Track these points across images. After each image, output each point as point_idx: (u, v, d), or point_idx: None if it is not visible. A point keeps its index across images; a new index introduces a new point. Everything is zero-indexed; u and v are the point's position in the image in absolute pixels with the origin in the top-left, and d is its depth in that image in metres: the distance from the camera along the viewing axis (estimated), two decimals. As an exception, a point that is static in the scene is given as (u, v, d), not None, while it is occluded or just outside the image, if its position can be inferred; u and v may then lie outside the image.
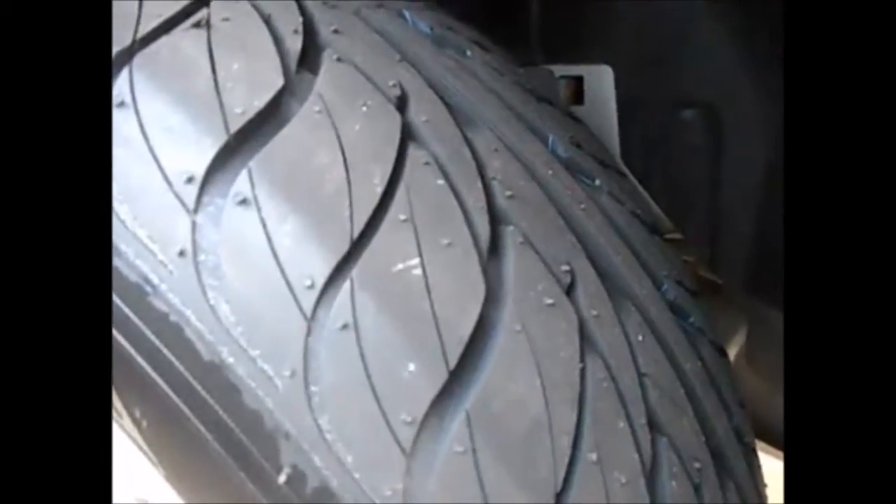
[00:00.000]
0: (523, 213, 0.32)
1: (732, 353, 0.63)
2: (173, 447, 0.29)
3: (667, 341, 0.35)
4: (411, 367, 0.25)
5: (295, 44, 0.31)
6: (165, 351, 0.27)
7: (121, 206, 0.27)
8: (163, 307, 0.27)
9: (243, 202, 0.27)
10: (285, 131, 0.28)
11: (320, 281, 0.26)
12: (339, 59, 0.32)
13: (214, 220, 0.27)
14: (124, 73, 0.29)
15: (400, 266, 0.27)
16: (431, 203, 0.29)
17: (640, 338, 0.33)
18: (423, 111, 0.32)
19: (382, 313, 0.26)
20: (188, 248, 0.26)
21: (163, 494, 0.31)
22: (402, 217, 0.28)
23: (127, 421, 0.29)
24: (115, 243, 0.27)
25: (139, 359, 0.27)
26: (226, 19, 0.31)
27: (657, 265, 0.38)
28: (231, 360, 0.26)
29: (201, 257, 0.26)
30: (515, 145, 0.35)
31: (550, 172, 0.36)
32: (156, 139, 0.28)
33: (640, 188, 0.51)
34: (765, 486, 0.41)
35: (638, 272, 0.36)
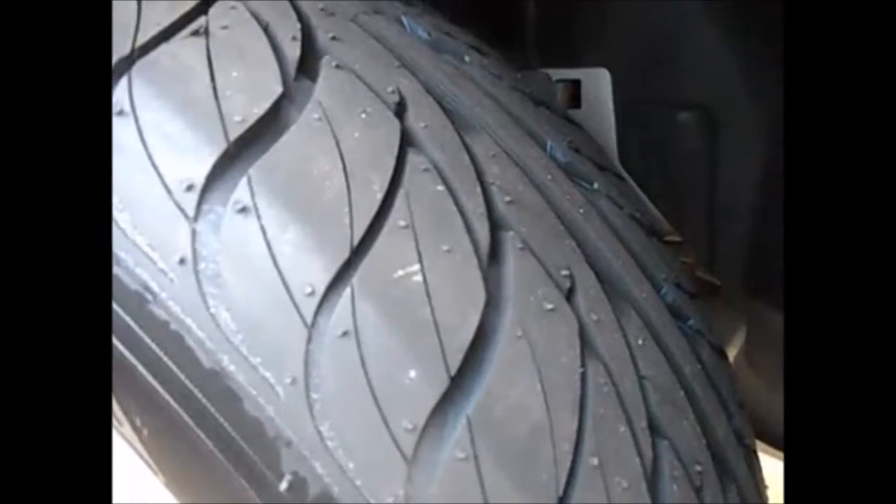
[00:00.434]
0: (523, 219, 0.32)
1: (731, 354, 0.63)
2: (174, 455, 0.29)
3: (666, 344, 0.35)
4: (412, 373, 0.26)
5: (293, 51, 0.31)
6: (166, 359, 0.27)
7: (120, 215, 0.27)
8: (163, 315, 0.27)
9: (243, 210, 0.27)
10: (284, 139, 0.28)
11: (321, 288, 0.26)
12: (337, 66, 0.32)
13: (214, 228, 0.27)
14: (123, 82, 0.29)
15: (400, 273, 0.27)
16: (431, 209, 0.29)
17: (640, 341, 0.33)
18: (422, 117, 0.32)
19: (383, 320, 0.26)
20: (188, 256, 0.26)
21: (163, 501, 0.31)
22: (402, 223, 0.28)
23: (127, 429, 0.29)
24: (115, 251, 0.27)
25: (140, 367, 0.27)
26: (224, 27, 0.31)
27: (656, 268, 0.38)
28: (232, 367, 0.26)
29: (201, 265, 0.26)
30: (514, 150, 0.35)
31: (549, 177, 0.36)
32: (155, 147, 0.28)
33: (639, 191, 0.51)
34: (766, 487, 0.41)
35: (637, 275, 0.36)
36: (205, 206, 0.27)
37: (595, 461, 0.27)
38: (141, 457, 0.30)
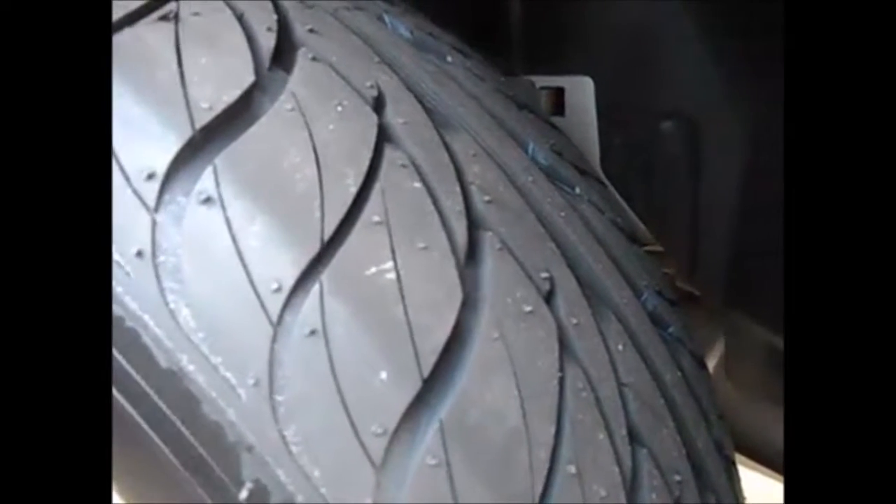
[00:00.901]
0: (502, 219, 0.31)
1: (710, 365, 0.63)
2: (128, 461, 0.27)
3: (647, 351, 0.35)
4: (383, 375, 0.24)
5: (268, 41, 0.31)
6: (120, 358, 0.26)
7: (76, 204, 0.26)
8: (118, 311, 0.25)
9: (207, 201, 0.26)
10: (255, 129, 0.27)
11: (288, 284, 0.25)
12: (314, 59, 0.31)
13: (176, 220, 0.25)
14: (85, 66, 0.27)
15: (373, 270, 0.26)
16: (407, 206, 0.28)
17: (621, 347, 0.32)
18: (401, 113, 0.32)
19: (353, 319, 0.25)
20: (147, 248, 0.25)
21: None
22: (376, 219, 0.27)
23: (79, 433, 0.28)
24: (70, 243, 0.26)
25: (92, 366, 0.26)
26: (196, 13, 0.30)
27: (637, 274, 0.38)
28: (191, 368, 0.25)
29: (161, 258, 0.25)
30: (495, 151, 0.35)
31: (530, 179, 0.35)
32: (115, 133, 0.26)
33: (620, 199, 0.51)
34: (744, 499, 0.40)
35: (618, 281, 0.36)
36: (166, 196, 0.26)
37: (573, 469, 0.26)
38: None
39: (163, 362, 0.25)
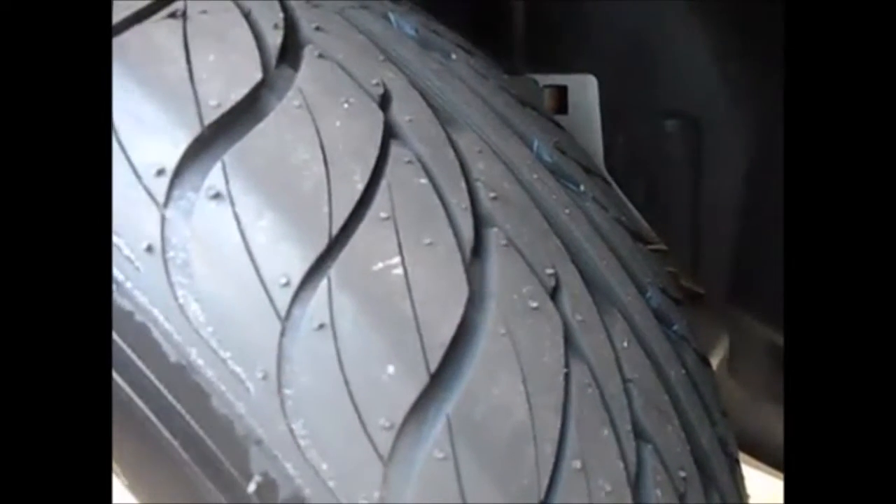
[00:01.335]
0: (508, 216, 0.31)
1: (714, 363, 0.63)
2: (137, 454, 0.27)
3: (651, 348, 0.35)
4: (390, 369, 0.25)
5: (275, 39, 0.31)
6: (130, 352, 0.26)
7: (87, 200, 0.26)
8: (128, 306, 0.25)
9: (216, 196, 0.26)
10: (263, 125, 0.28)
11: (296, 279, 0.25)
12: (320, 56, 0.32)
13: (185, 215, 0.25)
14: (94, 63, 0.28)
15: (380, 265, 0.26)
16: (414, 202, 0.28)
17: (625, 344, 0.32)
18: (407, 110, 0.32)
19: (361, 314, 0.25)
20: (157, 243, 0.25)
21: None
22: (384, 215, 0.27)
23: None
24: (80, 239, 0.26)
25: (102, 360, 0.26)
26: (203, 12, 0.30)
27: (641, 272, 0.38)
28: (200, 362, 0.25)
29: (170, 253, 0.25)
30: (500, 148, 0.35)
31: (535, 176, 0.35)
32: (125, 129, 0.27)
33: (624, 197, 0.51)
34: (748, 496, 0.40)
35: (622, 278, 0.36)
36: (176, 192, 0.26)
37: (578, 464, 0.26)
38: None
39: (172, 356, 0.25)
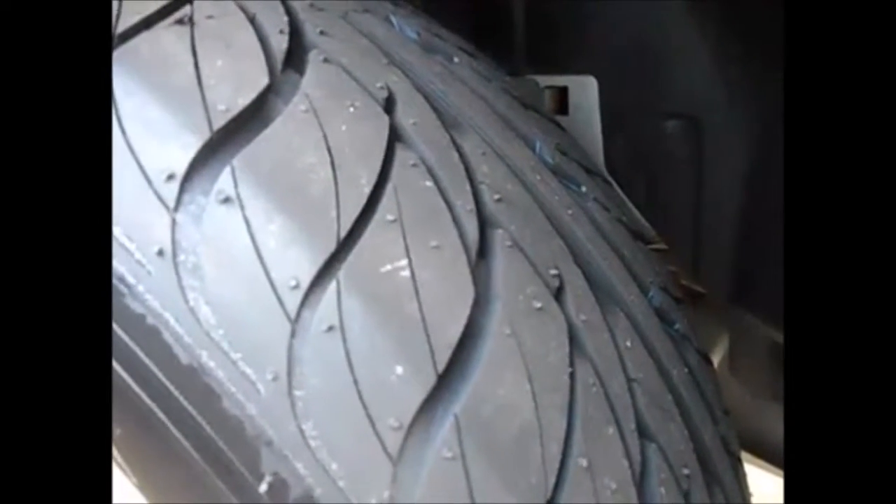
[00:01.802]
0: (512, 217, 0.31)
1: (715, 362, 0.64)
2: (148, 456, 0.27)
3: (654, 347, 0.35)
4: (399, 370, 0.25)
5: (280, 43, 0.31)
6: (142, 355, 0.26)
7: (97, 205, 0.26)
8: (139, 309, 0.26)
9: (226, 201, 0.26)
10: (270, 130, 0.28)
11: (305, 281, 0.25)
12: (325, 60, 0.32)
13: (196, 219, 0.26)
14: (103, 69, 0.28)
15: (388, 267, 0.26)
16: (419, 204, 0.29)
17: (629, 343, 0.33)
18: (411, 113, 0.32)
19: (369, 315, 0.25)
20: (167, 247, 0.26)
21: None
22: (390, 218, 0.27)
23: (99, 430, 0.28)
24: (90, 243, 0.26)
25: (113, 363, 0.26)
26: (210, 17, 0.30)
27: (643, 271, 0.38)
28: (211, 364, 0.25)
29: (181, 257, 0.25)
30: (503, 150, 0.35)
31: (538, 177, 0.36)
32: (135, 135, 0.27)
33: (625, 197, 0.51)
34: (750, 495, 0.41)
35: (625, 278, 0.36)
36: (186, 196, 0.26)
37: (584, 462, 0.26)
38: (113, 458, 0.29)
39: (183, 359, 0.25)
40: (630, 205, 0.51)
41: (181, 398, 0.26)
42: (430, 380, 0.25)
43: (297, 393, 0.24)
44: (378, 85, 0.32)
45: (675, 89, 0.54)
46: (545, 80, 0.54)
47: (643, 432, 0.30)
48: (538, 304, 0.29)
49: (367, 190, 0.28)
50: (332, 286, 0.25)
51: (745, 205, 0.54)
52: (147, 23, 0.29)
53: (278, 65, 0.30)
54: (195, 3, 0.31)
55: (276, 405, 0.24)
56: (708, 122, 0.53)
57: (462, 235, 0.29)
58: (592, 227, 0.36)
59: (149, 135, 0.27)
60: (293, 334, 0.25)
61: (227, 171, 0.26)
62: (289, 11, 0.33)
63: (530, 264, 0.30)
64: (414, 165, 0.30)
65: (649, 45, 0.53)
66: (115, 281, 0.26)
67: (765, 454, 0.67)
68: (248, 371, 0.25)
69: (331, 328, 0.25)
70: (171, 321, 0.25)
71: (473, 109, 0.36)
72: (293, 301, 0.25)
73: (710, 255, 0.57)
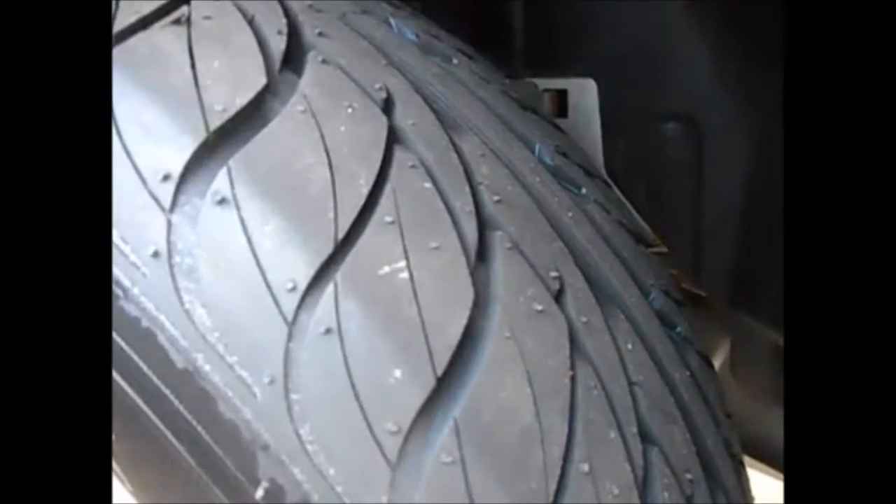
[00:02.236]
0: (511, 219, 0.31)
1: (716, 365, 0.63)
2: (143, 461, 0.27)
3: (656, 350, 0.35)
4: (397, 373, 0.25)
5: (279, 44, 0.31)
6: (136, 358, 0.26)
7: (92, 206, 0.26)
8: (134, 311, 0.25)
9: (222, 202, 0.26)
10: (267, 130, 0.28)
11: (303, 284, 0.25)
12: (324, 61, 0.32)
13: (191, 220, 0.25)
14: (99, 69, 0.28)
15: (386, 269, 0.26)
16: (418, 206, 0.28)
17: (630, 346, 0.32)
18: (410, 115, 0.32)
19: (367, 318, 0.25)
20: (163, 249, 0.25)
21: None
22: (389, 219, 0.27)
23: (93, 435, 0.28)
24: (85, 245, 0.26)
25: (108, 367, 0.26)
26: (207, 17, 0.30)
27: (644, 274, 0.38)
28: (207, 367, 0.25)
29: (176, 259, 0.25)
30: (502, 151, 0.35)
31: (538, 179, 0.35)
32: (130, 135, 0.27)
33: (625, 200, 0.51)
34: (753, 498, 0.40)
35: (626, 280, 0.36)
36: (181, 198, 0.26)
37: (586, 467, 0.26)
38: (107, 464, 0.28)
39: (179, 362, 0.25)
40: (630, 207, 0.51)
41: (176, 402, 0.25)
42: (429, 383, 0.25)
43: (293, 397, 0.24)
44: (377, 86, 0.32)
45: (674, 92, 0.54)
46: (544, 83, 0.54)
47: (645, 436, 0.30)
48: (538, 307, 0.29)
49: (366, 191, 0.27)
50: (330, 288, 0.25)
51: (745, 207, 0.54)
52: (144, 23, 0.29)
53: (276, 65, 0.30)
54: (192, 4, 0.31)
55: (273, 409, 0.24)
56: (708, 125, 0.53)
57: (461, 237, 0.28)
58: (593, 230, 0.36)
59: (144, 135, 0.27)
60: (290, 337, 0.24)
61: (223, 171, 0.26)
62: (287, 12, 0.33)
63: (530, 266, 0.30)
64: (413, 167, 0.30)
65: (649, 48, 0.53)
66: (109, 283, 0.26)
67: (766, 457, 0.67)
68: (245, 374, 0.24)
69: (328, 331, 0.25)
70: (167, 324, 0.25)
71: (473, 111, 0.36)
72: (290, 303, 0.25)
73: (711, 257, 0.56)
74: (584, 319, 0.31)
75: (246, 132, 0.27)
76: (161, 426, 0.26)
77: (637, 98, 0.54)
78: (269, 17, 0.32)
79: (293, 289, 0.25)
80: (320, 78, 0.31)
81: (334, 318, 0.25)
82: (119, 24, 0.29)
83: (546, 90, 0.54)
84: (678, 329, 0.39)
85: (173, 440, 0.25)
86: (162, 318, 0.25)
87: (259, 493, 0.24)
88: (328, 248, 0.26)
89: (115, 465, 0.28)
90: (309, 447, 0.24)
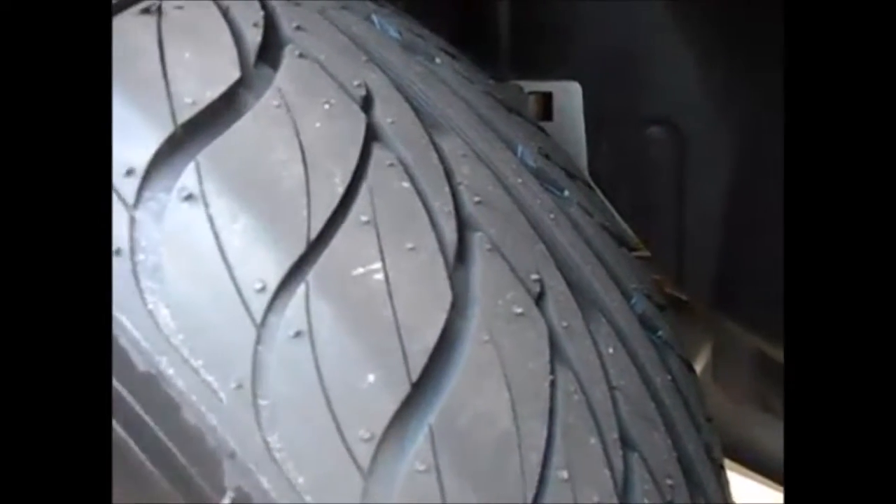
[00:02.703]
0: (492, 220, 0.31)
1: (698, 369, 0.64)
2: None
3: (637, 354, 0.34)
4: (370, 378, 0.24)
5: (254, 37, 0.30)
6: (96, 361, 0.25)
7: (52, 201, 0.25)
8: (95, 312, 0.24)
9: (189, 198, 0.25)
10: (239, 124, 0.27)
11: (272, 284, 0.24)
12: (301, 56, 0.31)
13: (156, 217, 0.24)
14: (63, 59, 0.26)
15: (360, 270, 0.25)
16: (396, 206, 0.28)
17: (611, 350, 0.32)
18: (389, 113, 0.31)
19: (340, 320, 0.24)
20: (125, 246, 0.24)
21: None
22: (364, 219, 0.26)
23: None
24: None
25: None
26: (179, 7, 0.29)
27: (626, 278, 0.38)
28: (170, 371, 0.24)
29: (140, 257, 0.24)
30: (484, 152, 0.34)
31: (520, 181, 0.35)
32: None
33: (608, 204, 0.51)
34: (733, 502, 0.40)
35: (607, 284, 0.35)
36: (146, 193, 0.25)
37: (565, 474, 0.25)
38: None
39: (141, 365, 0.24)
40: (612, 210, 0.51)
41: (137, 407, 0.24)
42: (404, 388, 0.24)
43: (261, 402, 0.23)
44: (356, 82, 0.31)
45: (658, 95, 0.54)
46: (529, 86, 0.54)
47: (626, 441, 0.29)
48: (518, 310, 0.28)
49: (341, 189, 0.26)
50: (301, 289, 0.24)
51: (728, 211, 0.54)
52: (112, 11, 0.28)
53: (251, 58, 0.29)
54: (164, -6, 0.30)
55: (240, 415, 0.23)
56: (691, 128, 0.54)
57: (440, 238, 0.28)
58: (574, 232, 0.36)
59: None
60: (258, 340, 0.23)
61: (191, 166, 0.25)
62: (264, 5, 0.32)
63: (510, 268, 0.29)
64: (391, 165, 0.29)
65: (633, 52, 0.53)
66: (68, 282, 0.25)
67: (747, 461, 0.67)
68: (210, 379, 0.23)
69: (299, 334, 0.24)
70: (128, 325, 0.24)
71: (454, 111, 0.35)
72: (259, 305, 0.24)
73: (693, 261, 0.57)
74: (564, 323, 0.30)
75: (217, 126, 0.26)
76: (122, 433, 0.24)
77: (621, 101, 0.54)
78: (245, 9, 0.31)
79: (262, 289, 0.24)
80: (297, 72, 0.30)
81: (305, 320, 0.24)
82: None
83: (531, 93, 0.54)
84: (660, 333, 0.38)
85: (135, 448, 0.24)
86: (123, 318, 0.24)
87: (225, 502, 0.23)
88: (300, 248, 0.25)
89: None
90: (277, 455, 0.23)
